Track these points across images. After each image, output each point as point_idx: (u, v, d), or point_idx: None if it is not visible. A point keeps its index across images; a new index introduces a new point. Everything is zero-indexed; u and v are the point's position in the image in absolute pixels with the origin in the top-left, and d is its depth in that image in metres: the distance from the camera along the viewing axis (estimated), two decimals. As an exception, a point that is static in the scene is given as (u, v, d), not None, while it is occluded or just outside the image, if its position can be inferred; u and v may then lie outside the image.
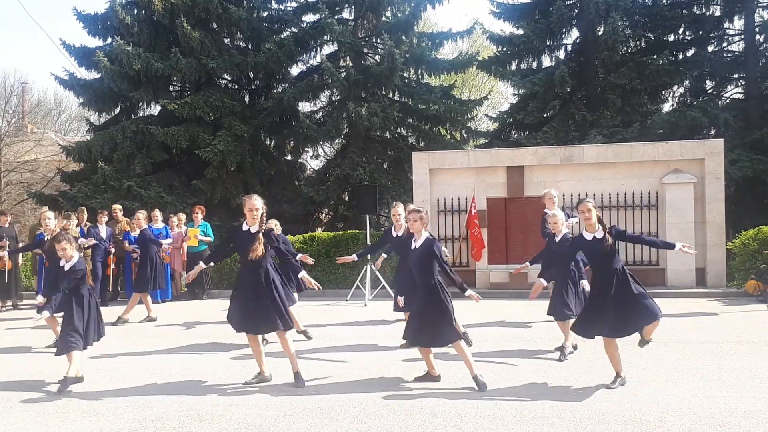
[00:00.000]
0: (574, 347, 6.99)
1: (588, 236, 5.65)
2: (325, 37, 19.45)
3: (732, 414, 4.76)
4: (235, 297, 5.99)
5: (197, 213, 12.97)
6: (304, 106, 21.84)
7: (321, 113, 20.90)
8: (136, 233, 12.25)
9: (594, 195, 12.68)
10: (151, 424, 4.91)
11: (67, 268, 6.17)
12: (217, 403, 5.38)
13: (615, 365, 5.63)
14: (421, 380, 5.91)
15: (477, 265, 12.87)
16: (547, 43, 19.15)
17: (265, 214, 5.96)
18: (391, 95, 19.98)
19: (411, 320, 5.90)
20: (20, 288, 12.49)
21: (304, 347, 7.68)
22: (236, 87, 20.98)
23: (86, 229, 12.03)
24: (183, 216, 13.42)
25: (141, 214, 10.46)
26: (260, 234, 5.82)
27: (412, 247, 5.76)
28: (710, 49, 18.81)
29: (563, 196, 12.88)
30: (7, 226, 12.09)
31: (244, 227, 5.88)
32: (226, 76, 20.17)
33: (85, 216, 12.61)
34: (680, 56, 18.72)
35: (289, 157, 21.52)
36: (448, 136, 20.55)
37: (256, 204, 5.81)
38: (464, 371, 6.20)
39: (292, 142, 20.38)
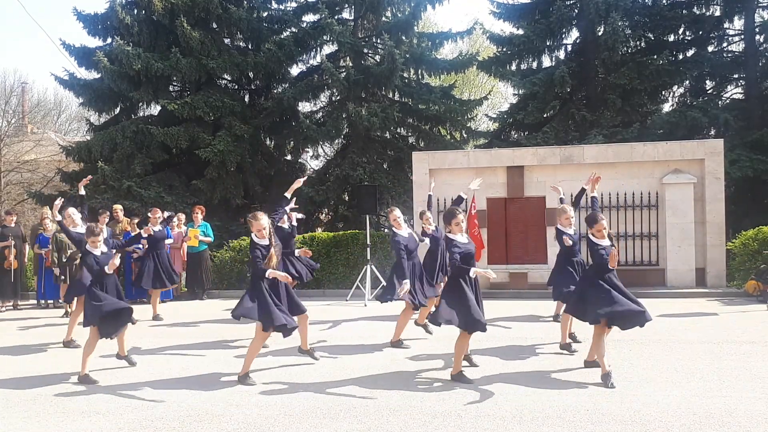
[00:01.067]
0: (571, 342, 7.12)
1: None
2: (325, 37, 19.44)
3: (732, 414, 4.76)
4: (266, 297, 6.03)
5: (197, 213, 12.96)
6: (304, 106, 21.87)
7: (321, 113, 20.90)
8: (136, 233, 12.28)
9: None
10: (151, 424, 4.91)
11: (105, 250, 6.68)
12: (217, 403, 5.38)
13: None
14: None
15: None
16: (547, 43, 19.15)
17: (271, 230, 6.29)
18: (391, 95, 19.97)
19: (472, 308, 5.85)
20: (23, 288, 12.53)
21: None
22: (236, 87, 20.99)
23: (86, 229, 12.02)
24: (183, 216, 13.42)
25: (158, 213, 10.76)
26: (272, 248, 6.14)
27: (467, 241, 6.15)
28: (710, 49, 18.81)
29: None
30: (12, 225, 12.13)
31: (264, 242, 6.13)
32: (226, 76, 20.17)
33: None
34: (680, 56, 18.71)
35: (289, 157, 21.52)
36: (448, 136, 20.54)
37: (262, 223, 6.11)
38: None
39: (292, 142, 20.38)
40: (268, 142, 20.87)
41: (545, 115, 18.92)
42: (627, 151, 12.68)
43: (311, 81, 19.76)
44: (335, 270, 13.50)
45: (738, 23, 18.62)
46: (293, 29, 19.75)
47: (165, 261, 10.65)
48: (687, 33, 18.74)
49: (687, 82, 18.96)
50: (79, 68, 19.75)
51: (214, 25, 19.54)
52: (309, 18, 20.37)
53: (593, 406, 5.03)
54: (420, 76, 20.01)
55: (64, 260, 11.09)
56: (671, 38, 18.78)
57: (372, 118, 17.67)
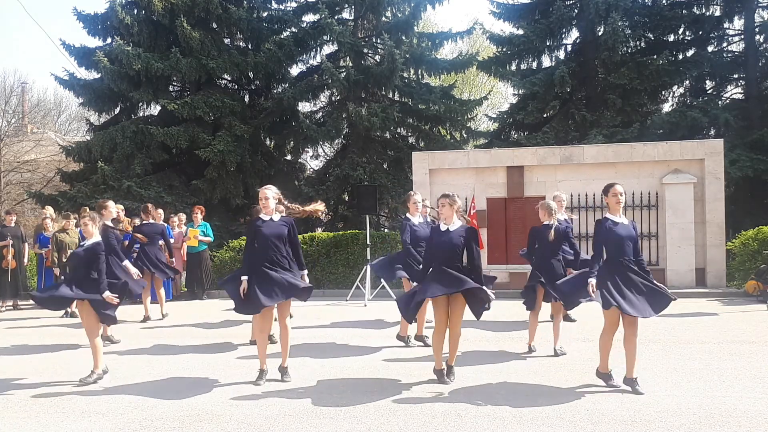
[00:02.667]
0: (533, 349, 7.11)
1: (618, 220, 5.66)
2: (325, 37, 19.45)
3: (732, 414, 4.76)
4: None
5: (197, 213, 12.96)
6: (304, 106, 21.88)
7: (321, 113, 20.90)
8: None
9: (594, 195, 12.68)
10: (151, 424, 4.91)
11: (86, 245, 6.32)
12: (217, 403, 5.38)
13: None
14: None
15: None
16: (547, 43, 19.15)
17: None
18: (391, 95, 19.98)
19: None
20: (23, 288, 12.51)
21: (302, 348, 7.67)
22: (236, 87, 20.99)
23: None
24: (183, 216, 13.44)
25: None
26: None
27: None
28: (710, 49, 18.81)
29: (563, 196, 12.90)
30: (12, 225, 12.09)
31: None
32: (226, 76, 20.18)
33: (86, 216, 12.59)
34: (680, 56, 18.72)
35: (289, 157, 21.53)
36: (448, 136, 20.55)
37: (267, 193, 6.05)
38: (462, 372, 6.21)
39: (292, 142, 20.39)
40: (268, 142, 20.87)
41: (545, 115, 18.93)
42: (627, 151, 12.68)
43: (311, 81, 19.77)
44: (335, 270, 13.50)
45: (738, 23, 18.64)
46: (293, 29, 19.76)
47: (153, 257, 10.02)
48: (687, 33, 18.75)
49: (687, 82, 18.98)
50: (79, 68, 19.77)
51: (214, 25, 19.54)
52: (309, 18, 20.40)
53: (593, 406, 5.02)
54: (420, 76, 20.01)
55: (64, 260, 11.09)
56: (671, 38, 18.78)
57: (372, 118, 17.67)
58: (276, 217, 6.07)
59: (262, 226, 5.99)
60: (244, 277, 5.89)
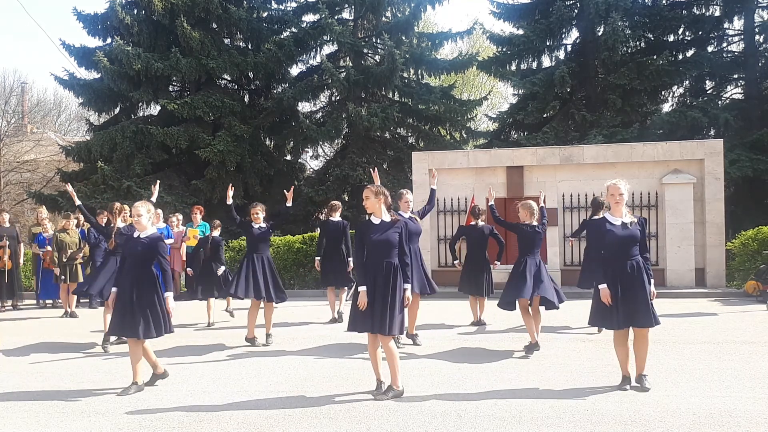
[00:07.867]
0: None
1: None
2: (325, 38, 19.47)
3: (732, 414, 4.76)
4: None
5: (196, 213, 12.93)
6: (304, 107, 21.91)
7: (321, 113, 20.92)
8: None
9: (594, 195, 12.65)
10: (151, 424, 4.91)
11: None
12: (217, 403, 5.38)
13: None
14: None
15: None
16: (547, 43, 19.16)
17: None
18: (391, 95, 19.99)
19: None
20: (20, 288, 12.48)
21: (303, 347, 7.68)
22: (236, 87, 21.01)
23: (86, 229, 12.00)
24: (180, 216, 13.44)
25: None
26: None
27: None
28: (710, 49, 18.83)
29: (562, 196, 12.89)
30: (7, 225, 12.04)
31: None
32: (226, 76, 20.20)
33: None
34: (680, 56, 18.74)
35: (289, 157, 21.54)
36: (448, 137, 20.57)
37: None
38: (462, 372, 6.22)
39: (292, 142, 20.41)
40: (268, 142, 20.89)
41: (545, 115, 18.93)
42: (627, 151, 12.67)
43: (311, 81, 19.78)
44: (335, 270, 13.45)
45: (738, 23, 18.65)
46: (293, 29, 19.78)
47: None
48: (687, 33, 18.76)
49: (687, 82, 18.99)
50: (79, 68, 19.81)
51: (214, 25, 19.57)
52: (309, 18, 20.43)
53: (593, 406, 5.02)
54: (420, 76, 20.03)
55: (65, 260, 11.09)
56: (671, 38, 18.80)
57: (372, 118, 17.68)
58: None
59: None
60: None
